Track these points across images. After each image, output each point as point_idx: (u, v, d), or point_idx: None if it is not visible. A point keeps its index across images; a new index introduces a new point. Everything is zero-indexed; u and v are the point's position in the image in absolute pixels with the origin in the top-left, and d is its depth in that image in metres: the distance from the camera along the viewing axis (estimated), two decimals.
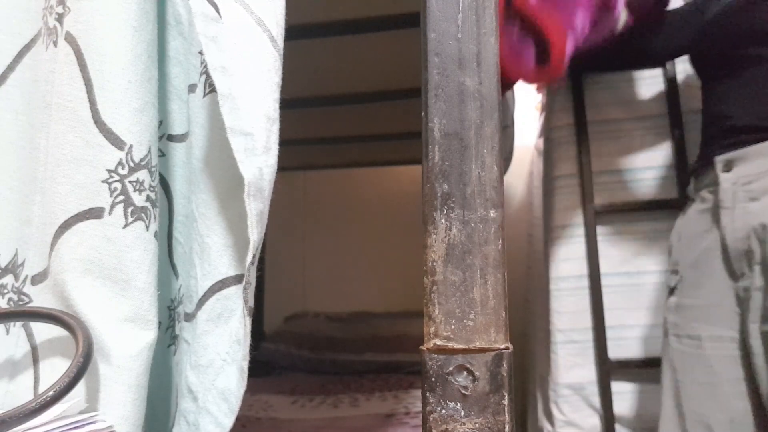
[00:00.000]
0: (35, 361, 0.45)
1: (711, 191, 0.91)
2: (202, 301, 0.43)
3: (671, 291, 0.96)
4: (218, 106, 0.39)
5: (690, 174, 0.99)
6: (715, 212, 0.89)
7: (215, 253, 0.42)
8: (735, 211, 0.86)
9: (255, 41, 0.40)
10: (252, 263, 0.39)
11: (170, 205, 0.50)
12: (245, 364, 0.39)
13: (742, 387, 0.85)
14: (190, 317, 0.45)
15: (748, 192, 0.85)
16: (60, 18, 0.46)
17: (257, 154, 0.39)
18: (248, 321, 0.40)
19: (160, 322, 0.45)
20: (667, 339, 0.94)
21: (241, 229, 0.40)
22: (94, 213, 0.43)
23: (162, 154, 0.49)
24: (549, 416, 1.27)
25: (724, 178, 0.88)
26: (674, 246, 0.98)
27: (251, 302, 0.40)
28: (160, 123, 0.48)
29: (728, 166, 0.88)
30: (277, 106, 0.40)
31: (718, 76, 0.94)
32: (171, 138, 0.50)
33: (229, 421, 0.40)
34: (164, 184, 0.49)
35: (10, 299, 0.47)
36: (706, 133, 0.97)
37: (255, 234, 0.38)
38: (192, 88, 0.47)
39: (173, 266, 0.50)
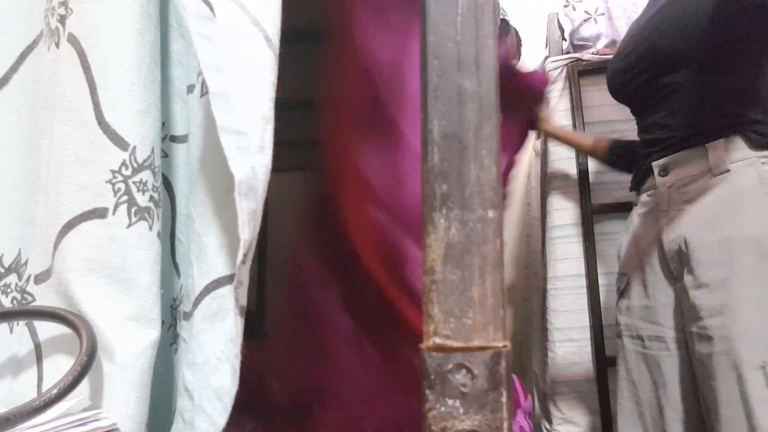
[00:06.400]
0: (39, 360, 0.45)
1: (651, 195, 0.93)
2: (198, 300, 0.43)
3: (621, 293, 0.98)
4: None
5: (633, 179, 1.02)
6: (653, 215, 0.92)
7: (212, 253, 0.42)
8: (670, 213, 0.88)
9: (250, 40, 0.39)
10: (243, 262, 0.38)
11: (173, 205, 0.50)
12: (237, 364, 0.39)
13: (687, 386, 0.85)
14: (187, 316, 0.45)
15: (683, 194, 0.87)
16: (62, 19, 0.46)
17: (251, 153, 0.38)
18: (240, 320, 0.39)
19: (163, 321, 0.45)
20: (621, 340, 0.96)
21: (237, 228, 0.40)
22: (98, 213, 0.43)
23: (165, 155, 0.49)
24: (547, 414, 1.28)
25: (661, 182, 0.91)
26: (621, 249, 1.00)
27: (243, 301, 0.39)
28: (163, 124, 0.48)
29: (665, 170, 0.91)
30: (272, 105, 0.40)
31: None
32: (173, 139, 0.50)
33: (223, 420, 0.40)
34: (167, 185, 0.50)
35: (13, 298, 0.48)
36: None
37: (246, 233, 0.38)
38: (190, 88, 0.47)
39: (176, 265, 0.50)
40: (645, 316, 0.91)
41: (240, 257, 0.38)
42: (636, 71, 0.94)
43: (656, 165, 0.92)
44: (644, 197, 0.96)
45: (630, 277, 0.96)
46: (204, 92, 0.44)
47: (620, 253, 1.01)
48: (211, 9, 0.40)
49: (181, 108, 0.49)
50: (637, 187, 1.00)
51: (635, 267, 0.95)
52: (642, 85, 0.93)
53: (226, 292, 0.42)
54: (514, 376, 1.24)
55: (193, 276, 0.44)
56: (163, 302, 0.45)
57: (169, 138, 0.50)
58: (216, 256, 0.42)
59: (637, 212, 0.98)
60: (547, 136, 1.27)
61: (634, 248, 0.96)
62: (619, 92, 1.02)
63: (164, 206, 0.49)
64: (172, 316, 0.50)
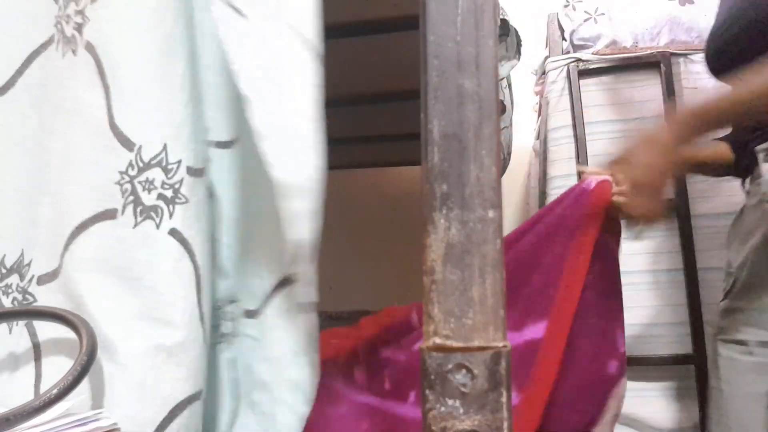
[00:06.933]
0: (37, 359, 0.46)
1: (758, 184, 0.82)
2: (269, 298, 0.46)
3: (725, 294, 0.88)
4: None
5: (744, 168, 0.88)
6: (762, 206, 0.80)
7: (279, 253, 0.45)
8: None
9: (296, 59, 0.42)
10: (311, 261, 0.42)
11: (216, 209, 0.50)
12: (317, 357, 0.42)
13: None
14: (254, 314, 0.47)
15: None
16: (79, 28, 0.47)
17: (309, 155, 0.41)
18: (314, 315, 0.42)
19: (201, 321, 0.46)
20: (714, 344, 0.87)
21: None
22: (109, 214, 0.44)
23: (209, 159, 0.49)
24: None
25: (766, 169, 0.80)
26: (728, 246, 0.90)
27: (314, 298, 0.43)
28: (205, 130, 0.49)
29: None
30: (319, 107, 0.42)
31: None
32: (219, 145, 0.50)
33: (306, 409, 0.42)
34: (211, 189, 0.50)
35: (14, 299, 0.48)
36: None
37: (314, 234, 0.41)
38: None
39: (219, 267, 0.50)
40: (752, 320, 0.81)
41: (310, 256, 0.41)
42: (738, 47, 0.81)
43: (761, 149, 0.81)
44: (752, 187, 0.84)
45: (737, 276, 0.84)
46: None
47: (727, 250, 0.89)
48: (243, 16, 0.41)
49: (225, 115, 0.49)
50: (743, 175, 0.88)
51: (743, 265, 0.84)
52: (742, 61, 0.78)
53: (296, 290, 0.45)
54: None
55: (262, 276, 0.46)
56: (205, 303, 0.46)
57: (214, 144, 0.50)
58: (284, 256, 0.45)
59: (745, 204, 0.86)
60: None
61: (742, 244, 0.85)
62: (721, 70, 0.88)
63: (207, 210, 0.49)
64: (217, 317, 0.50)
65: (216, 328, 0.50)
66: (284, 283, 0.45)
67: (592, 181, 0.73)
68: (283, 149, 0.40)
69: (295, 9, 0.41)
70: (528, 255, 0.73)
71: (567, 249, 0.70)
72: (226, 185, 0.50)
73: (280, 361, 0.44)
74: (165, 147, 0.44)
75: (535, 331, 0.67)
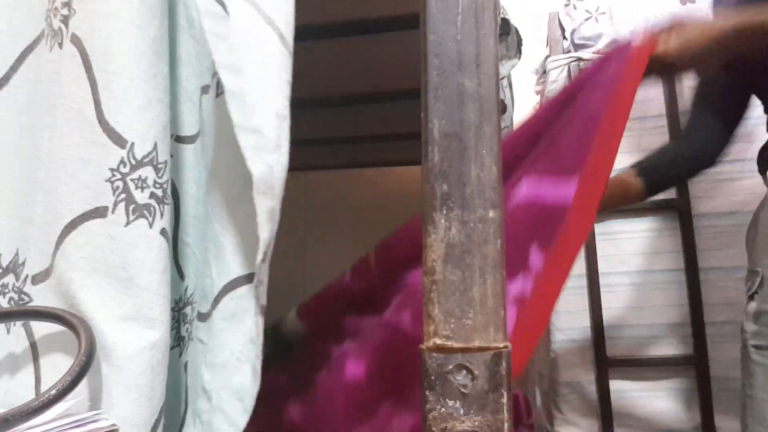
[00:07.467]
0: (35, 360, 0.45)
1: None
2: (217, 300, 0.43)
3: (750, 295, 0.81)
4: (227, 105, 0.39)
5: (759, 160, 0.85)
6: None
7: (229, 253, 0.43)
8: None
9: (265, 40, 0.39)
10: (263, 261, 0.39)
11: (178, 207, 0.50)
12: (258, 364, 0.39)
13: None
14: (204, 317, 0.45)
15: None
16: (65, 20, 0.46)
17: (267, 151, 0.38)
18: (261, 320, 0.39)
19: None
20: (746, 350, 0.80)
21: (253, 227, 0.40)
22: (99, 212, 0.43)
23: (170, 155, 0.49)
24: (548, 414, 1.28)
25: None
26: (751, 242, 0.84)
27: (263, 300, 0.40)
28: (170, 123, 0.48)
29: None
30: (287, 103, 0.39)
31: None
32: (180, 139, 0.50)
33: (243, 421, 0.40)
34: (172, 186, 0.49)
35: (10, 299, 0.47)
36: None
37: (265, 232, 0.38)
38: (205, 89, 0.47)
39: (179, 267, 0.50)
40: None
41: (260, 256, 0.38)
42: None
43: None
44: None
45: (764, 275, 0.78)
46: (219, 92, 0.44)
47: (748, 247, 0.84)
48: (225, 8, 0.40)
49: (189, 108, 0.49)
50: (763, 171, 0.83)
51: None
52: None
53: (244, 291, 0.42)
54: (520, 393, 1.16)
55: (212, 277, 0.44)
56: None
57: (174, 138, 0.49)
58: (233, 256, 0.43)
59: (766, 196, 0.81)
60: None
61: (766, 240, 0.79)
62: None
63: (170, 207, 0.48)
64: (174, 319, 0.50)
65: (173, 331, 0.49)
66: (232, 284, 0.43)
67: (639, 38, 0.72)
68: (262, 145, 0.38)
69: (273, 6, 0.40)
70: (570, 112, 0.70)
71: (604, 105, 0.67)
72: (189, 181, 0.49)
73: (225, 368, 0.42)
74: (155, 146, 0.44)
75: (566, 189, 0.63)
